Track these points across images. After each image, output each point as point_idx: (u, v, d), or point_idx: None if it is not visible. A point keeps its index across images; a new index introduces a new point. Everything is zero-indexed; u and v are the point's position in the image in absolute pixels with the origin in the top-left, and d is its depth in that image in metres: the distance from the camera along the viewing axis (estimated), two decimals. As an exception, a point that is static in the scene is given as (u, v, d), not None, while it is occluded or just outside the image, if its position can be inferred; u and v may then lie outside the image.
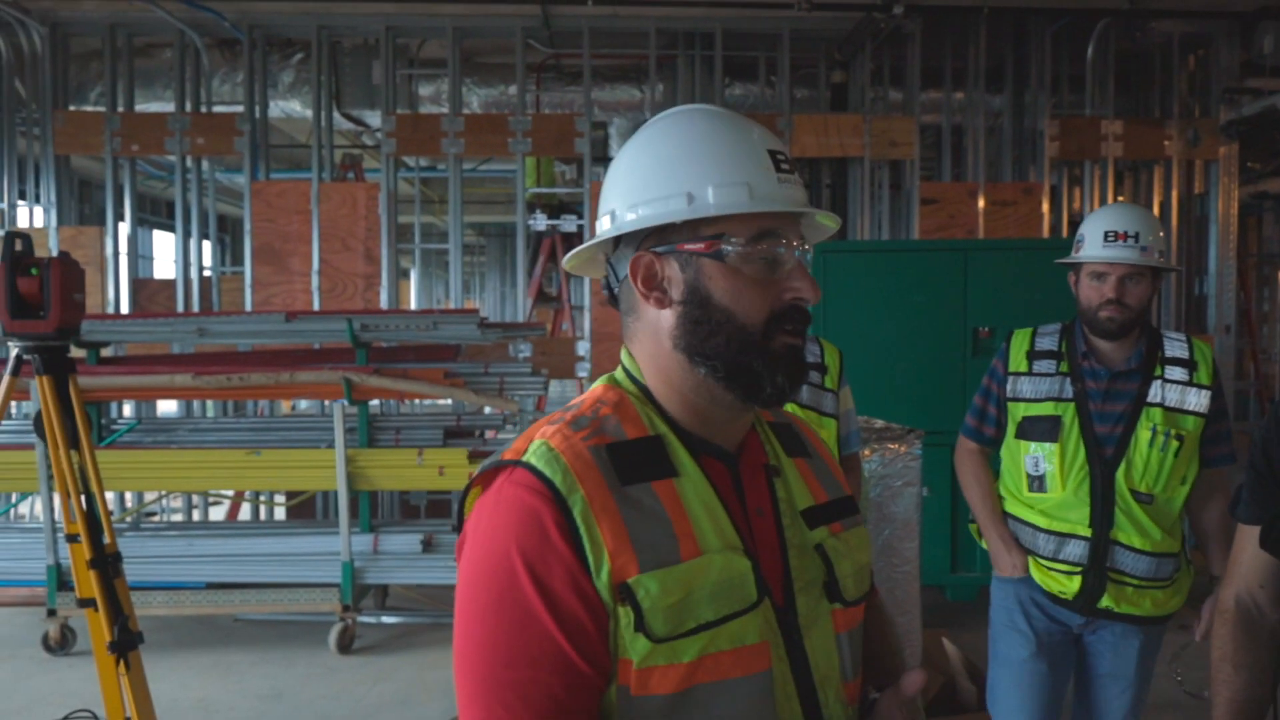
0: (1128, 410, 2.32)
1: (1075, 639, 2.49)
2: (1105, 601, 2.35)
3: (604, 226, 1.07)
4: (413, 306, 14.38)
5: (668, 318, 1.03)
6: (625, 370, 1.09)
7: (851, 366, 5.06)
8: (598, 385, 1.09)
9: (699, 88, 6.31)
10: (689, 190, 1.00)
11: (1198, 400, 2.32)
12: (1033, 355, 2.44)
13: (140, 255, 11.97)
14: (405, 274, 15.57)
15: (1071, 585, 2.36)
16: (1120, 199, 6.90)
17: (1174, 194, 6.33)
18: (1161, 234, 2.34)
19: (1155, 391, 2.32)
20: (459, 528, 1.03)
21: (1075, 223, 6.50)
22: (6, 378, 3.01)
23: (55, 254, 5.99)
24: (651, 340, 1.05)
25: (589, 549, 0.92)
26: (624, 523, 0.94)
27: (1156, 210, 6.42)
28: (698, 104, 1.11)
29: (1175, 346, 2.37)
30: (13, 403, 4.78)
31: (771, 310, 1.01)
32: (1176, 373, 2.33)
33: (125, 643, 2.94)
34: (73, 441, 2.97)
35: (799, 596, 1.02)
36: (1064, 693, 2.50)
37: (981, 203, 6.10)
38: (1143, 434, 2.30)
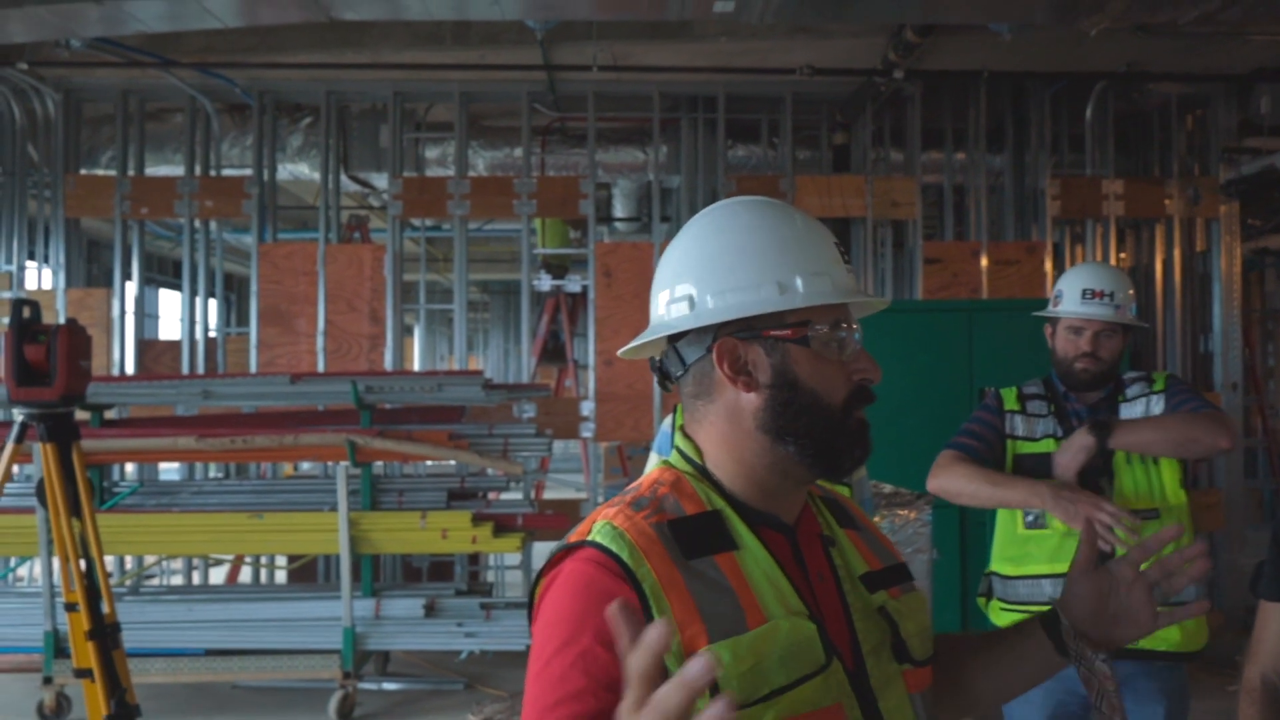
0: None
1: (1089, 712, 2.44)
2: None
3: (681, 311, 1.09)
4: (417, 364, 14.44)
5: (752, 400, 1.07)
6: (680, 452, 1.13)
7: (858, 427, 5.07)
8: (653, 469, 1.14)
9: (702, 150, 6.39)
10: (779, 279, 1.06)
11: (1158, 405, 2.46)
12: (1023, 399, 2.57)
13: (147, 314, 12.06)
14: (410, 331, 15.63)
15: None
16: (1123, 256, 6.93)
17: (1176, 252, 6.35)
18: (1132, 292, 2.50)
19: (1123, 411, 2.48)
20: (531, 616, 1.06)
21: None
22: (9, 445, 3.00)
23: (62, 316, 6.04)
24: (727, 421, 1.09)
25: (657, 616, 0.94)
26: (691, 595, 0.97)
27: (1159, 268, 6.45)
28: (757, 196, 1.18)
29: (1134, 377, 2.55)
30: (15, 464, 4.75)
31: (848, 390, 1.09)
32: (1136, 389, 2.51)
33: (122, 716, 2.88)
34: (74, 509, 2.95)
35: (868, 659, 1.06)
36: None
37: (985, 262, 6.12)
38: (1120, 455, 2.42)
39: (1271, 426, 10.00)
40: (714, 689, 0.92)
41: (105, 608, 2.93)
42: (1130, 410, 2.47)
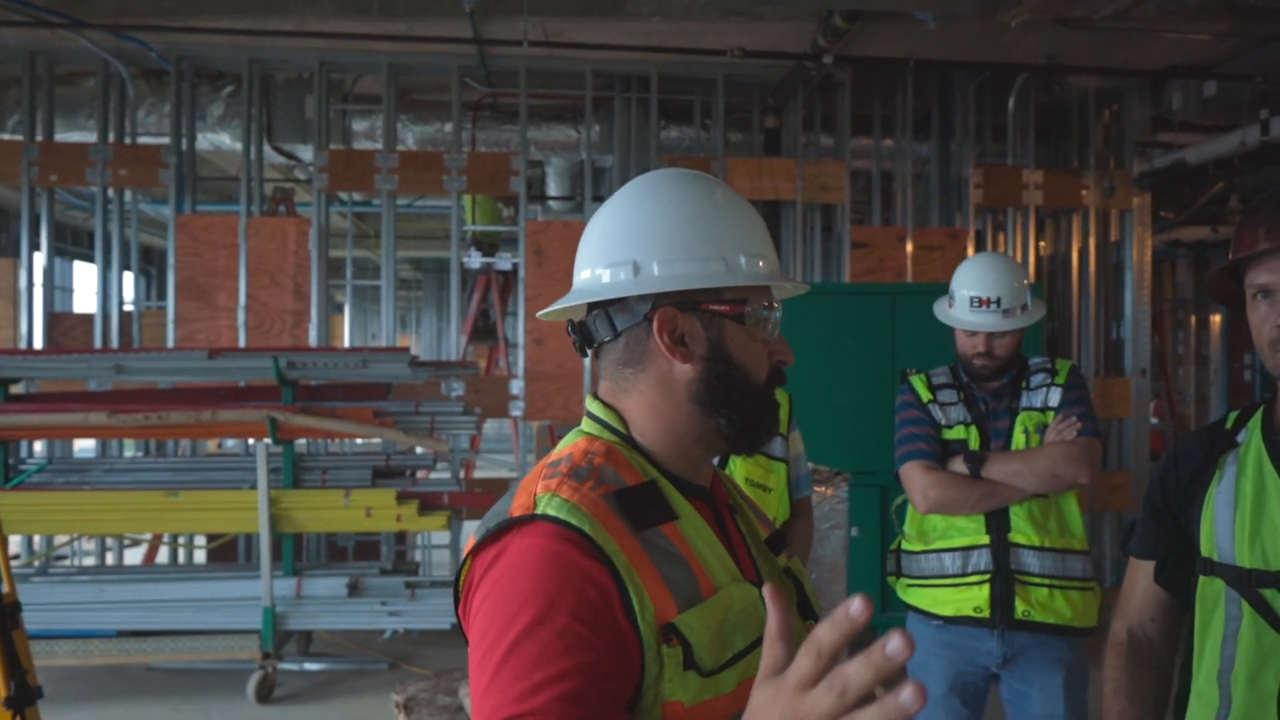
0: (1007, 423, 2.57)
1: (990, 680, 2.54)
2: (1020, 608, 2.44)
3: (621, 277, 1.08)
4: (346, 342, 14.18)
5: (686, 372, 1.08)
6: (599, 421, 1.11)
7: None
8: (577, 438, 1.11)
9: (635, 129, 6.37)
10: (724, 255, 1.07)
11: (1056, 396, 2.57)
12: (934, 388, 2.66)
13: (59, 287, 11.60)
14: (339, 309, 15.34)
15: (982, 594, 2.46)
16: (1043, 244, 7.13)
17: (1091, 241, 6.56)
18: (1026, 283, 2.58)
19: (1025, 399, 2.58)
20: (459, 599, 1.02)
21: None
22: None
23: (-35, 286, 5.78)
24: (657, 391, 1.09)
25: (633, 594, 0.93)
26: (654, 566, 0.97)
27: (1075, 257, 6.65)
28: (693, 170, 1.17)
29: (1039, 365, 2.64)
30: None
31: (769, 368, 1.12)
32: (1039, 379, 2.60)
33: (23, 698, 2.79)
34: (-27, 485, 2.84)
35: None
36: None
37: (910, 247, 6.24)
38: (1018, 437, 2.55)
39: (1179, 411, 10.42)
40: (689, 657, 0.94)
41: (4, 587, 2.83)
42: (1031, 398, 2.58)
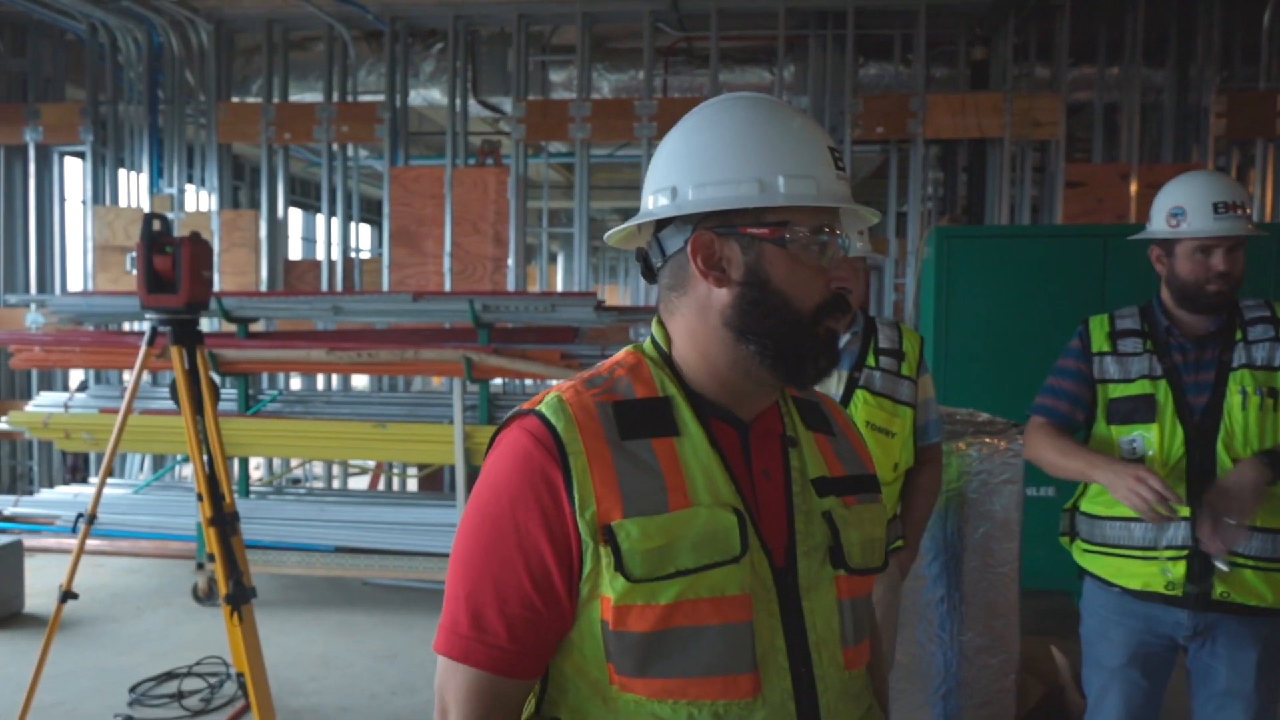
0: (1212, 376, 2.22)
1: (1176, 652, 2.30)
2: (1220, 589, 2.17)
3: (661, 202, 1.10)
4: (560, 289, 14.76)
5: (722, 296, 1.07)
6: (652, 340, 1.15)
7: (972, 357, 4.86)
8: (622, 350, 1.16)
9: (830, 69, 6.15)
10: (759, 177, 1.05)
11: None
12: (1115, 335, 2.33)
13: (304, 238, 12.74)
14: (553, 258, 15.95)
15: (1177, 571, 2.20)
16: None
17: (1365, 175, 5.70)
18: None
19: (1239, 355, 2.22)
20: None
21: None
22: (143, 348, 3.28)
23: (217, 237, 6.49)
24: (696, 315, 1.09)
25: (576, 490, 1.00)
26: (615, 471, 1.01)
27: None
28: (754, 93, 1.15)
29: (1254, 310, 2.27)
30: (168, 372, 5.18)
31: (822, 297, 1.07)
32: (1258, 330, 2.23)
33: (239, 596, 3.16)
34: (198, 407, 3.21)
35: (801, 560, 1.07)
36: (1160, 705, 2.33)
37: (1134, 186, 5.68)
38: (1234, 399, 2.19)
39: None
40: (618, 560, 0.99)
41: (225, 498, 3.20)
42: (1252, 353, 2.20)
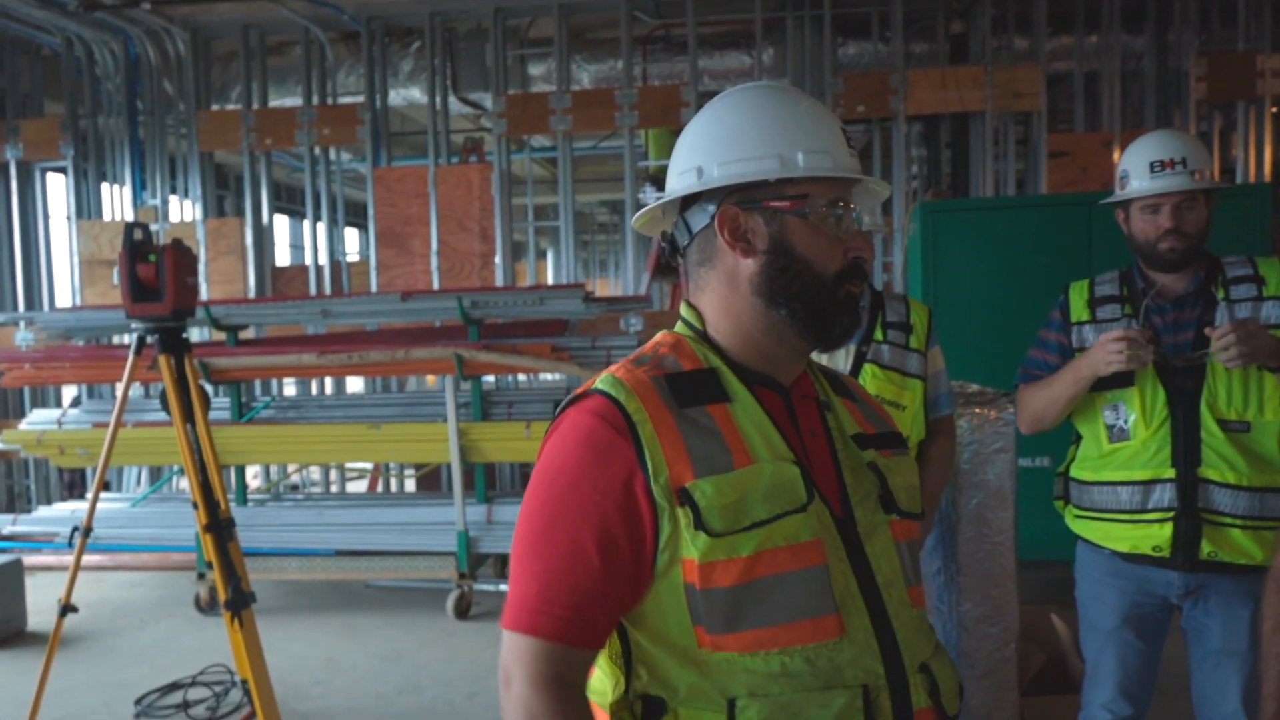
0: (1194, 337, 2.22)
1: (1171, 612, 2.32)
2: (1207, 549, 2.19)
3: (688, 181, 1.17)
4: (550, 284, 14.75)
5: (749, 266, 1.15)
6: (684, 320, 1.22)
7: (962, 330, 4.87)
8: (659, 334, 1.23)
9: (809, 49, 6.14)
10: (780, 153, 1.13)
11: (1273, 312, 2.19)
12: (1094, 303, 2.34)
13: (291, 244, 12.71)
14: (543, 254, 15.94)
15: (1164, 533, 2.21)
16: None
17: (1348, 132, 5.71)
18: (1208, 154, 2.24)
19: (1222, 314, 2.22)
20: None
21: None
22: (131, 358, 3.27)
23: (203, 245, 6.46)
24: (727, 286, 1.17)
25: (649, 458, 1.05)
26: (681, 436, 1.07)
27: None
28: (769, 82, 1.28)
29: (1236, 268, 2.26)
30: (158, 383, 5.17)
31: (841, 264, 1.15)
32: (1241, 290, 2.23)
33: (238, 601, 3.16)
34: (188, 416, 3.20)
35: (856, 508, 1.14)
36: (1156, 665, 2.36)
37: (1117, 154, 5.67)
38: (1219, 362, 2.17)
39: None
40: (698, 518, 1.04)
41: (220, 504, 3.19)
42: (1235, 313, 2.19)
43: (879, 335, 2.41)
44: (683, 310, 1.22)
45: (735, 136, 1.15)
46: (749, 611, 1.04)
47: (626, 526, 1.05)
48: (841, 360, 2.37)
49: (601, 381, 1.11)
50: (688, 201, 1.19)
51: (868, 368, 2.38)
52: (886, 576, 1.12)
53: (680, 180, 1.19)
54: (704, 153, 1.17)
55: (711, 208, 1.16)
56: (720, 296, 1.17)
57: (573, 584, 1.05)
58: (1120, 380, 2.25)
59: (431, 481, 6.37)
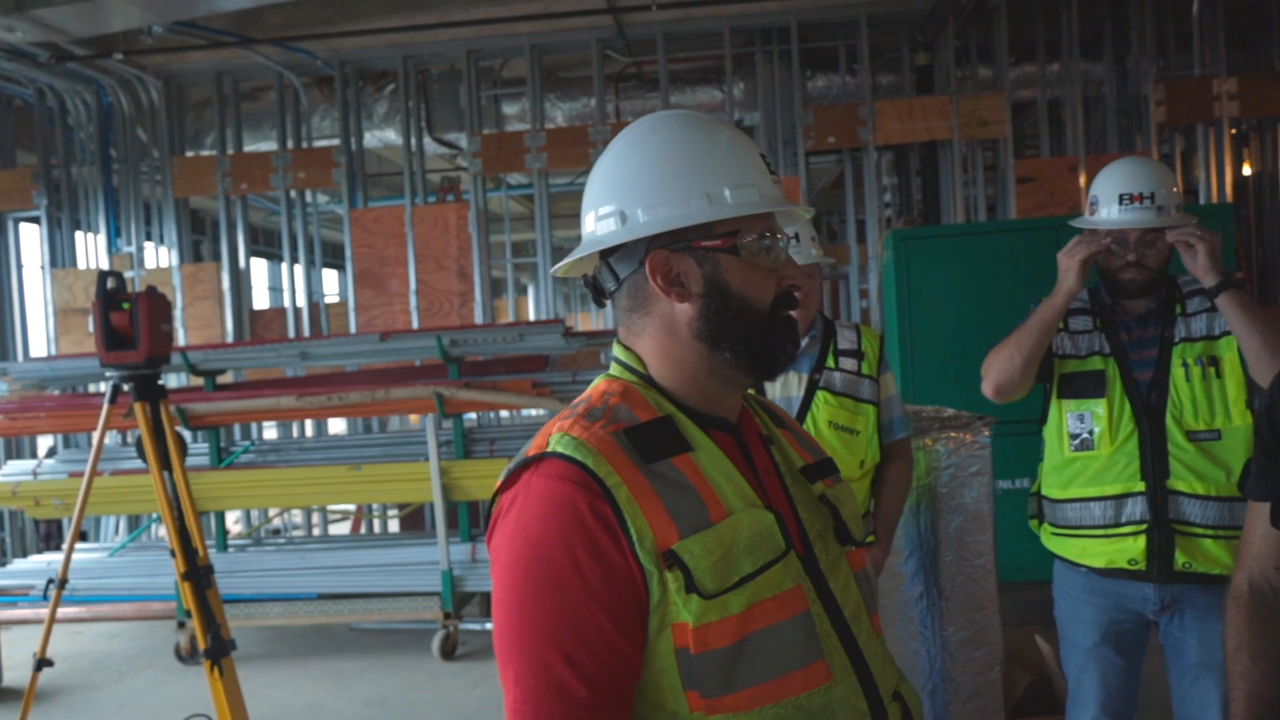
0: (1158, 354, 2.28)
1: (1149, 628, 2.34)
2: (1180, 560, 2.22)
3: (610, 227, 1.11)
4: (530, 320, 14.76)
5: (686, 310, 1.10)
6: (621, 364, 1.16)
7: (936, 354, 4.91)
8: (599, 381, 1.16)
9: (779, 83, 6.24)
10: (706, 191, 1.08)
11: (1222, 324, 2.25)
12: (1067, 314, 2.38)
13: (271, 288, 12.68)
14: (524, 290, 15.98)
15: (1137, 546, 2.25)
16: (1245, 162, 6.41)
17: (1304, 152, 5.85)
18: (1177, 189, 2.28)
19: (1179, 329, 2.29)
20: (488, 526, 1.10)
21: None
22: (105, 406, 3.25)
23: (179, 291, 6.44)
24: (664, 333, 1.12)
25: (630, 524, 0.99)
26: (658, 496, 1.01)
27: (1284, 171, 5.95)
28: (680, 110, 1.18)
29: (1192, 284, 2.33)
30: (134, 430, 5.13)
31: (775, 295, 1.12)
32: (1195, 303, 2.30)
33: (218, 649, 3.12)
34: (165, 463, 3.18)
35: (815, 544, 1.12)
36: (1138, 682, 2.38)
37: (1083, 178, 5.79)
38: (1177, 371, 2.26)
39: None
40: (689, 581, 0.99)
41: (199, 552, 3.16)
42: (1190, 326, 2.28)
43: (830, 363, 2.46)
44: (618, 353, 1.16)
45: (654, 175, 1.09)
46: (744, 670, 1.00)
47: (629, 593, 0.99)
48: (795, 388, 2.41)
49: (560, 444, 1.03)
50: (615, 247, 1.13)
51: (820, 394, 2.43)
52: (852, 610, 1.11)
53: (602, 226, 1.12)
54: (624, 195, 1.10)
55: (639, 252, 1.10)
56: (658, 343, 1.13)
57: (591, 667, 0.98)
58: (1092, 391, 2.30)
59: (415, 521, 6.33)
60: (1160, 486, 2.23)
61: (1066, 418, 2.34)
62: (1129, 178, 2.27)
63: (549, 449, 1.03)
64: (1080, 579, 2.38)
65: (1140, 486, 2.25)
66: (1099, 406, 2.29)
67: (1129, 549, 2.26)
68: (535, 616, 0.99)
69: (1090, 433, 2.31)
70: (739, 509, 1.04)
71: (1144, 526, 2.24)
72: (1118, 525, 2.28)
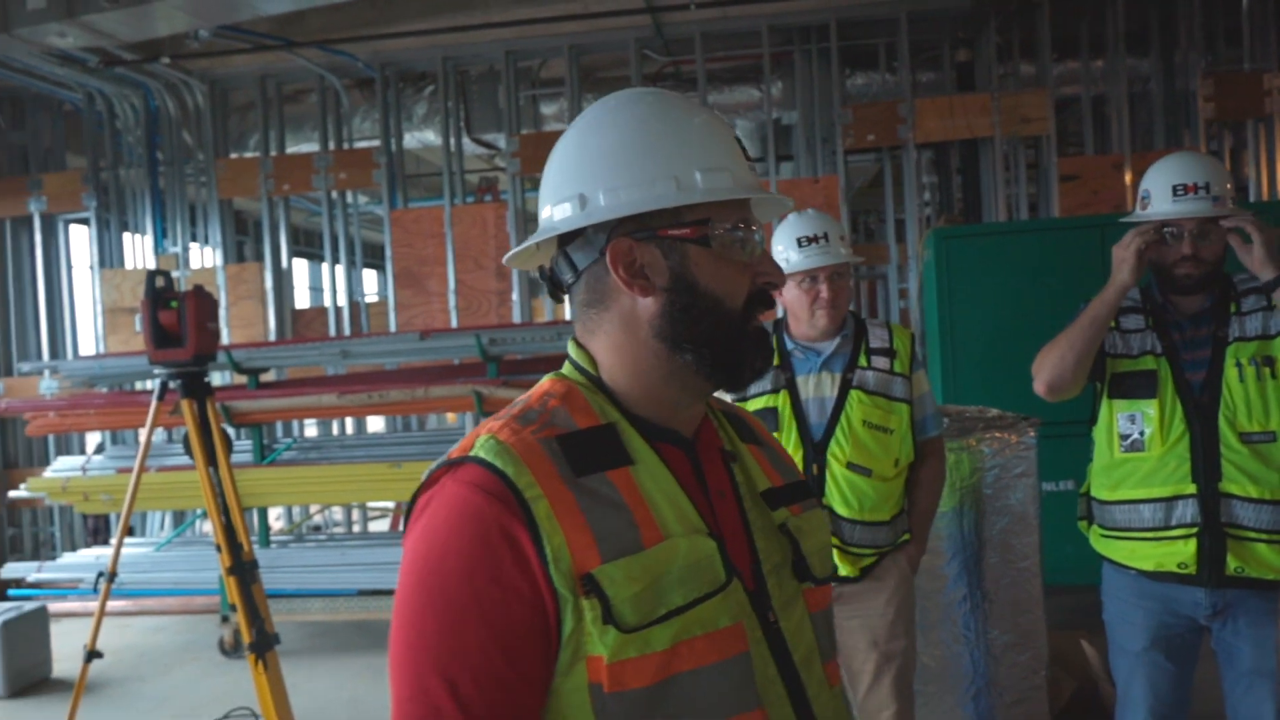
0: (1211, 353, 2.23)
1: (1200, 634, 2.29)
2: (1233, 564, 2.17)
3: (567, 212, 1.00)
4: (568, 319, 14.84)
5: (649, 306, 0.99)
6: (572, 363, 1.06)
7: (978, 354, 4.85)
8: (545, 380, 1.06)
9: (818, 81, 6.20)
10: (675, 174, 0.97)
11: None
12: (1119, 313, 2.32)
13: (312, 288, 12.83)
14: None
15: (1188, 550, 2.20)
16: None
17: (1359, 148, 5.70)
18: (1230, 185, 2.22)
19: (1234, 328, 2.24)
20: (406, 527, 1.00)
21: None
22: (154, 403, 3.31)
23: (223, 291, 6.55)
24: (622, 330, 1.01)
25: (547, 543, 0.89)
26: (582, 513, 0.91)
27: (1339, 167, 5.81)
28: (648, 88, 1.09)
29: (1247, 282, 2.27)
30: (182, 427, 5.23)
31: (749, 294, 1.01)
32: (1250, 301, 2.24)
33: (262, 643, 3.16)
34: (211, 459, 3.23)
35: (769, 578, 1.00)
36: (1188, 688, 2.33)
37: (1129, 176, 5.69)
38: (1230, 372, 2.20)
39: None
40: (607, 611, 0.88)
41: (244, 547, 3.21)
42: (1245, 325, 2.23)
43: (863, 362, 2.44)
44: (571, 351, 1.06)
45: (619, 157, 0.98)
46: (665, 717, 0.90)
47: (530, 620, 0.89)
48: (829, 388, 2.39)
49: (483, 448, 0.93)
50: (569, 234, 1.02)
51: (853, 394, 2.41)
52: (803, 655, 1.00)
53: (559, 211, 1.01)
54: (585, 177, 0.99)
55: (600, 240, 0.99)
56: (615, 341, 1.01)
57: (476, 701, 0.88)
58: (1144, 392, 2.26)
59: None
60: (1212, 489, 2.19)
61: (1117, 418, 2.30)
62: (1182, 169, 2.23)
63: (472, 452, 0.94)
64: (1129, 582, 2.34)
65: (1191, 489, 2.20)
66: (1150, 407, 2.25)
67: (1179, 552, 2.22)
68: (424, 634, 0.90)
69: (1141, 434, 2.27)
70: (677, 533, 0.93)
71: (1194, 530, 2.20)
72: (1167, 528, 2.23)
